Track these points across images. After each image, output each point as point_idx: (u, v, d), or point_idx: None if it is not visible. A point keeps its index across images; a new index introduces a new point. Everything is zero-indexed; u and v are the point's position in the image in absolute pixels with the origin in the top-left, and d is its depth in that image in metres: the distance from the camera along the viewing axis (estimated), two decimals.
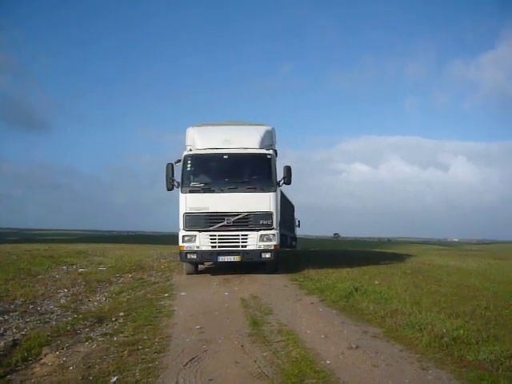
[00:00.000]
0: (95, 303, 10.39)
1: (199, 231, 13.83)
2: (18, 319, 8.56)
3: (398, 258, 24.06)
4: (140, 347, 6.68)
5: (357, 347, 6.64)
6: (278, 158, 14.90)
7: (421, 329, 7.35)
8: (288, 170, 14.43)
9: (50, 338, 7.22)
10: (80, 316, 8.81)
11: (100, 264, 17.44)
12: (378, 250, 39.62)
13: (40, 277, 13.60)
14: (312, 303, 10.02)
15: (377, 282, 12.11)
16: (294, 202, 29.20)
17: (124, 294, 11.50)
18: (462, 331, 7.02)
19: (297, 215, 31.28)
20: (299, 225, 32.54)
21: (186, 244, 13.88)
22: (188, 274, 14.71)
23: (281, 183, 14.56)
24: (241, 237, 13.86)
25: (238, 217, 13.84)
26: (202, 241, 13.79)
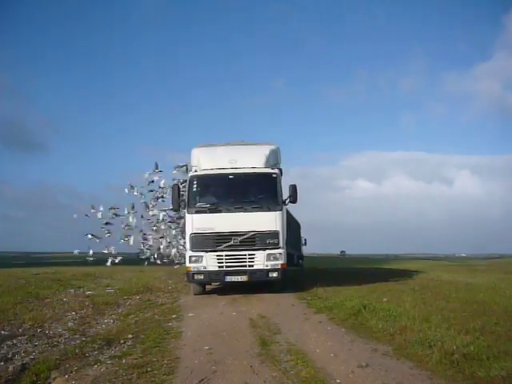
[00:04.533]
0: (103, 326, 10.36)
1: (206, 251, 13.80)
2: (27, 343, 8.55)
3: (406, 274, 23.93)
4: (149, 369, 6.64)
5: (366, 365, 6.59)
6: (282, 176, 14.91)
7: (431, 346, 7.28)
8: (294, 188, 14.45)
9: (58, 362, 7.20)
10: (88, 339, 8.78)
11: (107, 286, 17.43)
12: (385, 266, 39.42)
13: (48, 300, 13.59)
14: (320, 322, 9.97)
15: (385, 300, 12.04)
16: (299, 220, 29.13)
17: (132, 316, 11.47)
18: (472, 347, 6.95)
19: (303, 233, 31.20)
20: (306, 243, 32.41)
21: (192, 264, 13.84)
22: (195, 294, 14.67)
23: (287, 202, 14.55)
24: (248, 256, 13.82)
25: (245, 236, 13.81)
26: (209, 261, 13.76)
